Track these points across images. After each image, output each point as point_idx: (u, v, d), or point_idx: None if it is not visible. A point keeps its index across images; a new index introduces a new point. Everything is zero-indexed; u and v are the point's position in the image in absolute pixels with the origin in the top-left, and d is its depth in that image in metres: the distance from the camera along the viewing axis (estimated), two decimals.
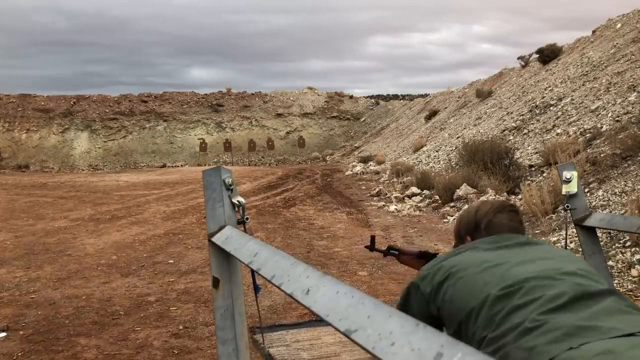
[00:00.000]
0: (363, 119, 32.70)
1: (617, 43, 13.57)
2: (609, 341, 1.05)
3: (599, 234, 3.94)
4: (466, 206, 8.15)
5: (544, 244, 1.47)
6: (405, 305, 1.43)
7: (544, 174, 8.52)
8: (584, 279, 1.27)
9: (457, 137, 15.33)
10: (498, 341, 1.16)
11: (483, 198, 8.23)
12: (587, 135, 8.94)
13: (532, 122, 12.05)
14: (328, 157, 28.10)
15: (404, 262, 1.95)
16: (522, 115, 12.96)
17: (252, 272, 1.23)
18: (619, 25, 15.47)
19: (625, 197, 5.78)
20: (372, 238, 2.12)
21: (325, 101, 33.72)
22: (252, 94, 33.54)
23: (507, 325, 1.16)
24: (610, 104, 9.71)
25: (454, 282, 1.33)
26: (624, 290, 4.04)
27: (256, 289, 1.38)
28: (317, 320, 1.98)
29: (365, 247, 2.18)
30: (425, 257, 1.88)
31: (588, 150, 8.14)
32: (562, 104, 11.66)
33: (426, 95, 31.91)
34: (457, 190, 8.89)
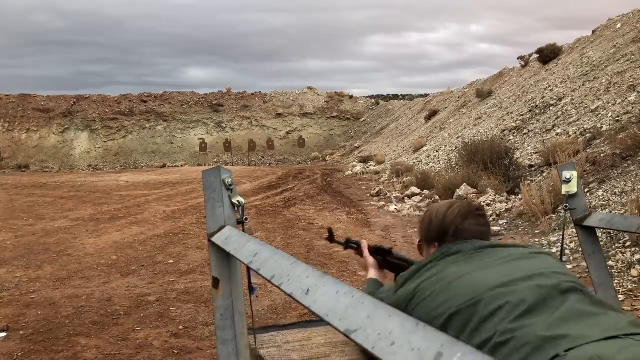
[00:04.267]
0: (363, 119, 32.70)
1: (617, 43, 13.58)
2: (597, 345, 1.02)
3: (599, 234, 3.94)
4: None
5: (509, 247, 1.41)
6: None
7: (544, 174, 8.52)
8: (546, 278, 1.23)
9: (457, 137, 15.33)
10: None
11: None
12: (587, 135, 8.94)
13: (532, 122, 12.06)
14: (328, 157, 28.11)
15: (361, 255, 1.96)
16: (522, 115, 12.96)
17: (248, 272, 1.22)
18: (619, 25, 15.47)
19: (625, 197, 5.78)
20: (330, 230, 2.13)
21: (325, 101, 33.72)
22: (252, 94, 33.55)
23: (476, 342, 1.13)
24: (610, 104, 9.71)
25: (419, 303, 1.31)
26: (624, 290, 4.04)
27: (251, 289, 1.38)
28: (309, 322, 1.99)
29: (325, 238, 2.19)
30: (379, 252, 1.84)
31: (588, 150, 8.15)
32: (562, 104, 11.66)
33: (426, 95, 31.94)
34: (457, 190, 8.89)
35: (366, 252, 1.85)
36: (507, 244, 1.46)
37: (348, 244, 2.03)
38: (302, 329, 1.93)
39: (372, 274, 1.77)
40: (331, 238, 2.10)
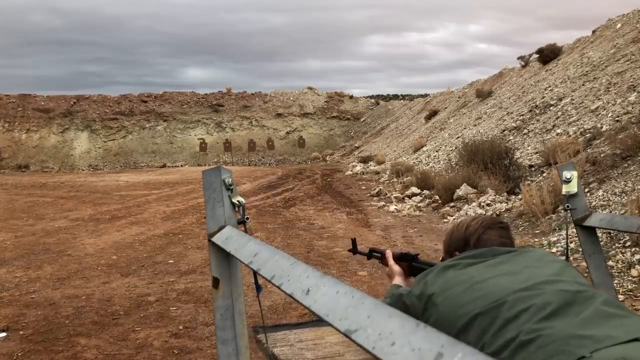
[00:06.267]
0: (363, 119, 32.70)
1: (617, 43, 13.57)
2: (622, 347, 1.02)
3: (599, 234, 3.93)
4: (466, 208, 8.15)
5: (529, 252, 1.41)
6: None
7: (544, 174, 8.52)
8: (569, 284, 1.23)
9: (457, 137, 15.32)
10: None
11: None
12: (587, 135, 8.94)
13: (532, 122, 12.05)
14: (328, 157, 28.10)
15: (386, 264, 1.93)
16: (522, 115, 12.96)
17: (254, 272, 1.23)
18: (619, 25, 15.46)
19: (625, 197, 5.78)
20: (354, 241, 2.10)
21: (325, 101, 33.72)
22: (252, 94, 33.54)
23: (500, 342, 1.12)
24: (610, 104, 9.71)
25: (439, 303, 1.30)
26: (624, 290, 4.03)
27: (258, 288, 1.38)
28: (321, 320, 1.98)
29: (348, 250, 2.16)
30: (404, 258, 1.82)
31: (588, 150, 8.15)
32: (562, 104, 11.66)
33: (426, 95, 31.94)
34: (457, 190, 8.89)
35: (391, 261, 1.82)
36: (527, 250, 1.45)
37: (372, 253, 2.00)
38: (315, 328, 1.91)
39: (397, 281, 1.75)
40: (354, 249, 2.08)
